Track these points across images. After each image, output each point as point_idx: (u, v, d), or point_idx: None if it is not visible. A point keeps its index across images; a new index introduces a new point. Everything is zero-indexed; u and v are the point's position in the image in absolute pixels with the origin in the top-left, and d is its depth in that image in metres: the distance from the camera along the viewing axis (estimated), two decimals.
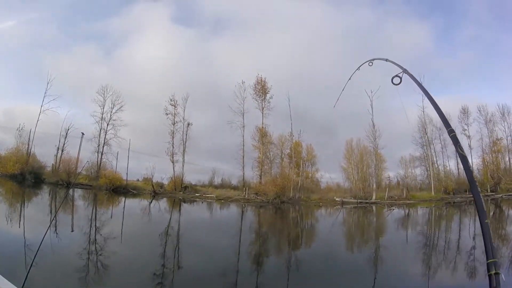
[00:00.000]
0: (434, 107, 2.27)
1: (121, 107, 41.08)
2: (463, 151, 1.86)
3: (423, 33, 73.53)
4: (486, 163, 35.11)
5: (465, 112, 37.56)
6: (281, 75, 59.65)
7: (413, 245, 14.52)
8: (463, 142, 36.98)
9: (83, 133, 40.75)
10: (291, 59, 65.38)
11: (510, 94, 57.92)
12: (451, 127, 2.04)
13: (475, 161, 36.31)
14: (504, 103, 38.21)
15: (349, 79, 4.09)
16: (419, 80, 2.73)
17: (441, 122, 2.15)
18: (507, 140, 36.89)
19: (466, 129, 36.96)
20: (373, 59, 3.56)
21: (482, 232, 1.62)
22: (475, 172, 36.14)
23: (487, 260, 1.58)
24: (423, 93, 2.45)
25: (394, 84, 2.83)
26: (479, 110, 37.42)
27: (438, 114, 2.19)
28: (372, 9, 65.98)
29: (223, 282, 7.76)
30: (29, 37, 59.65)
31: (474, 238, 15.29)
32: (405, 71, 2.79)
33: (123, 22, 73.15)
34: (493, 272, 1.55)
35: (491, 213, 25.46)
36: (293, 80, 60.22)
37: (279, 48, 67.66)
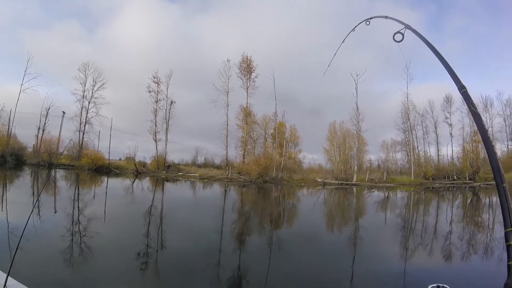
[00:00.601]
0: (441, 62, 2.05)
1: (103, 84, 40.63)
2: (475, 108, 1.64)
3: (413, 20, 73.63)
4: (466, 152, 35.93)
5: (448, 100, 38.15)
6: (267, 55, 59.35)
7: (391, 226, 14.81)
8: (445, 130, 37.75)
9: (64, 112, 40.29)
10: (278, 39, 64.91)
11: (494, 85, 59.23)
12: (461, 83, 1.83)
13: (455, 150, 37.10)
14: (487, 95, 38.99)
15: (343, 41, 3.82)
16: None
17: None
18: (488, 130, 37.62)
19: (448, 117, 37.71)
20: (371, 18, 3.29)
21: (499, 197, 1.40)
22: (455, 160, 37.06)
23: (505, 229, 1.37)
24: (428, 47, 2.21)
25: (395, 41, 2.63)
26: (462, 100, 37.82)
27: (446, 70, 1.97)
28: None
29: (206, 261, 7.66)
30: (10, 14, 57.15)
31: (450, 223, 15.69)
32: (407, 26, 2.58)
33: None
34: None
35: (469, 201, 26.19)
36: (279, 60, 60.04)
37: (266, 28, 67.01)
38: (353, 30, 3.61)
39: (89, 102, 39.79)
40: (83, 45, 57.28)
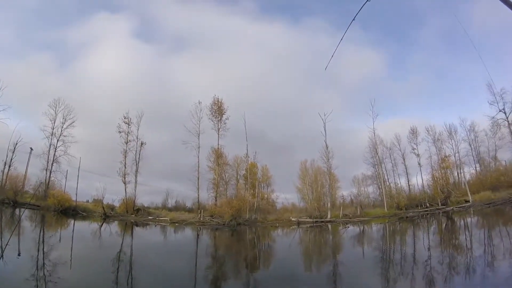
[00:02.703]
0: None
1: (73, 122, 38.75)
2: None
3: (378, 58, 78.59)
4: (436, 179, 36.60)
5: (413, 132, 39.43)
6: (238, 97, 59.94)
7: (370, 260, 14.34)
8: (413, 160, 38.66)
9: (31, 149, 38.01)
10: (248, 81, 66.29)
11: (456, 113, 62.85)
12: None
13: (424, 178, 37.82)
14: (451, 123, 40.76)
15: (353, 19, 3.46)
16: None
17: None
18: (455, 156, 39.05)
19: (415, 148, 38.63)
20: None
21: None
22: (425, 188, 37.72)
23: None
24: None
25: None
26: (427, 131, 39.37)
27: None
28: (330, 35, 68.60)
29: None
30: None
31: (429, 249, 15.32)
32: None
33: (80, 32, 70.42)
34: None
35: (444, 225, 26.18)
36: (249, 101, 60.69)
37: (237, 70, 68.52)
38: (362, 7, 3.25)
39: (57, 140, 37.61)
40: (54, 79, 55.77)
